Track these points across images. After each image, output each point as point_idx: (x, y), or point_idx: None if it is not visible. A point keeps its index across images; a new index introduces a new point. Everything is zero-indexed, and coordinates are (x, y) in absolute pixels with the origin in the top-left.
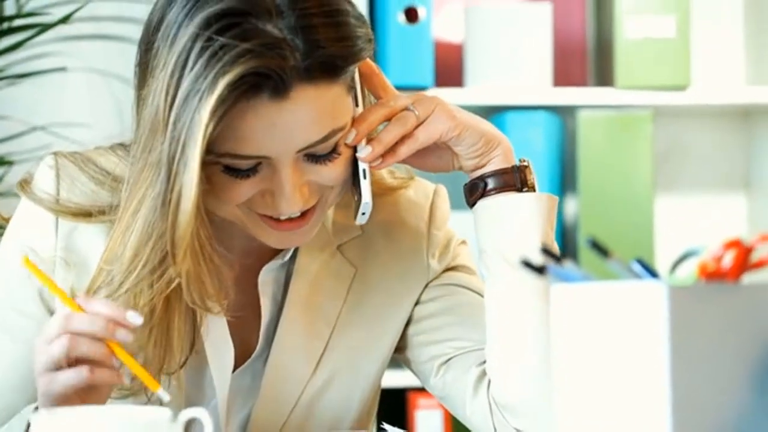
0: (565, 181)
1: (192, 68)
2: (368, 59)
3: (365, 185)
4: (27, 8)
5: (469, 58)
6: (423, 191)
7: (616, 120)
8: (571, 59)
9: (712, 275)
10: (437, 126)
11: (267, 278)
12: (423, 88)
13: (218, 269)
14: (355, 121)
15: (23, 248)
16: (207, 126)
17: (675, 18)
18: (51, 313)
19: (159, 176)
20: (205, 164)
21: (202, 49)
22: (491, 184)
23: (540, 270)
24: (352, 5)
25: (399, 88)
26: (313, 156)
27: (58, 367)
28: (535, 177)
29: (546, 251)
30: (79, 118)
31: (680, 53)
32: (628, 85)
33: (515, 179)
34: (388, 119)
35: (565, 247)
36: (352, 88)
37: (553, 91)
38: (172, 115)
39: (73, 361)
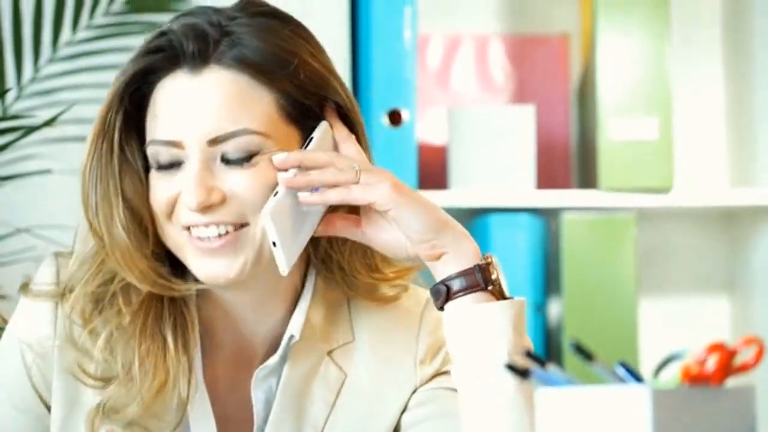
0: (549, 283)
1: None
2: (342, 126)
3: (272, 201)
4: (12, 111)
5: (452, 160)
6: (416, 299)
7: (600, 222)
8: (554, 161)
9: (696, 379)
10: (375, 192)
11: (259, 382)
12: None
13: (144, 251)
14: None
15: (20, 345)
16: (125, 89)
17: (658, 120)
18: (48, 408)
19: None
20: (141, 169)
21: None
22: (455, 286)
23: (524, 374)
24: (308, 41)
25: None
26: (227, 160)
27: None
28: (500, 272)
29: (530, 355)
30: (64, 220)
31: (663, 155)
32: (612, 187)
33: (478, 279)
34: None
35: (549, 349)
36: (285, 112)
37: (536, 193)
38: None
39: None
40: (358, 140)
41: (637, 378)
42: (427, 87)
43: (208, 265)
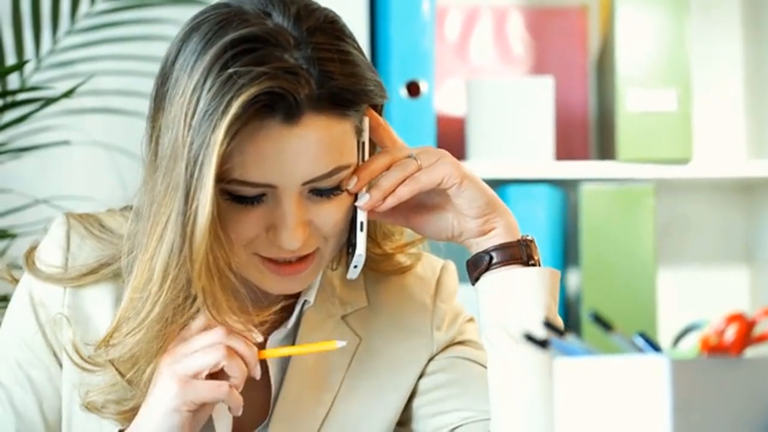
0: (568, 254)
1: (209, 90)
2: (374, 112)
3: (361, 237)
4: (31, 82)
5: (471, 132)
6: (431, 266)
7: (618, 193)
8: (572, 133)
9: (715, 349)
10: (440, 170)
11: (273, 347)
12: None
13: (235, 288)
14: (357, 169)
15: (34, 303)
16: (221, 145)
17: (676, 92)
18: (59, 363)
19: (178, 197)
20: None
21: (219, 73)
22: (497, 257)
23: (543, 344)
24: (363, 54)
25: None
26: (317, 191)
27: (198, 376)
28: (539, 254)
29: (549, 325)
30: (82, 191)
31: (682, 127)
32: (630, 158)
33: (521, 253)
34: (390, 167)
35: (568, 320)
36: (359, 132)
37: (555, 164)
38: (189, 136)
39: (209, 376)
40: (380, 114)
41: (656, 348)
42: (446, 59)
43: (281, 283)
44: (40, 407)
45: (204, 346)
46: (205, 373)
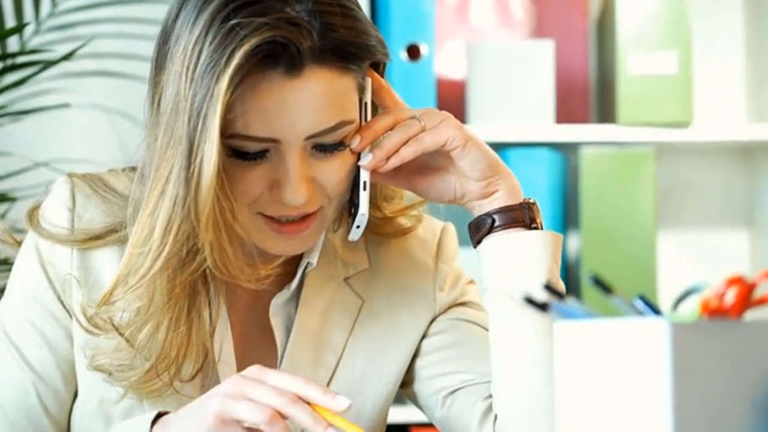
0: (568, 217)
1: (211, 43)
2: (376, 74)
3: (364, 197)
4: (30, 45)
5: (471, 95)
6: (431, 228)
7: (619, 157)
8: (573, 96)
9: (715, 312)
10: (444, 131)
11: (277, 310)
12: None
13: (241, 240)
14: (360, 129)
15: (42, 260)
16: (225, 95)
17: (677, 55)
18: (71, 315)
19: (181, 151)
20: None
21: (221, 26)
22: (499, 220)
23: (543, 307)
24: (363, 13)
25: None
26: (321, 147)
27: (240, 422)
28: (541, 217)
29: (549, 288)
30: (82, 154)
31: (682, 90)
32: (631, 122)
33: (524, 215)
34: (393, 128)
35: (568, 283)
36: (361, 90)
37: (555, 128)
38: (191, 90)
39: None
40: (382, 76)
41: (656, 311)
42: (446, 21)
43: (284, 243)
44: (57, 362)
45: (258, 399)
46: (246, 424)
